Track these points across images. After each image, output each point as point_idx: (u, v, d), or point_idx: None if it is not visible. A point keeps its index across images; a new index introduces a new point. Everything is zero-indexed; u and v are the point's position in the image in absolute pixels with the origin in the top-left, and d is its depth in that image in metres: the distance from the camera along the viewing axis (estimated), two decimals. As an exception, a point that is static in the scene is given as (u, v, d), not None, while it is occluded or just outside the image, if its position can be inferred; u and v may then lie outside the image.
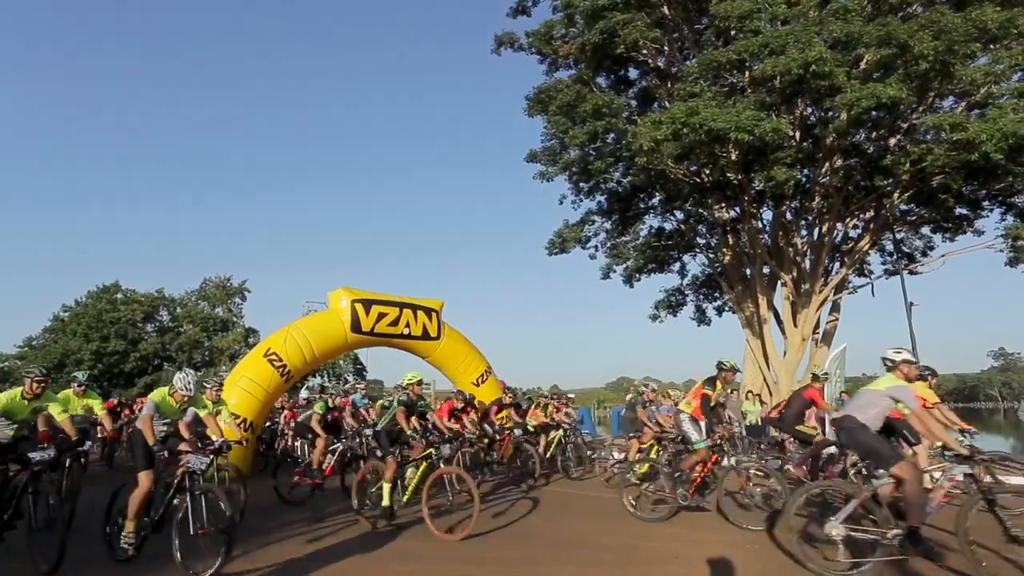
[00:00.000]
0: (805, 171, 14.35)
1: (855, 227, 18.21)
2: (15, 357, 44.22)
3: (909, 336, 15.50)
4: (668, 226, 21.11)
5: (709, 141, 12.72)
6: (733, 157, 14.07)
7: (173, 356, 45.14)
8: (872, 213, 17.37)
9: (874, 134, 15.08)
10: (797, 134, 13.99)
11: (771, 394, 18.11)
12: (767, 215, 19.20)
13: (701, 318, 23.90)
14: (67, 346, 40.66)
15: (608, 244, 22.21)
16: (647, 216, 21.37)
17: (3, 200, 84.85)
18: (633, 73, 19.06)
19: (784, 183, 12.64)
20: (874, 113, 13.13)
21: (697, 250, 21.58)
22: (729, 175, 15.46)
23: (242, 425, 10.75)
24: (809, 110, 14.26)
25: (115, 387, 39.38)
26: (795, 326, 18.47)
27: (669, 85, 16.00)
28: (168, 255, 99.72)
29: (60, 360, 40.14)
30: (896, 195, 15.64)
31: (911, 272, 17.67)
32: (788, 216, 18.35)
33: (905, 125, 13.66)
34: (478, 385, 14.48)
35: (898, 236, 17.79)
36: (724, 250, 20.35)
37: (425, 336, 13.55)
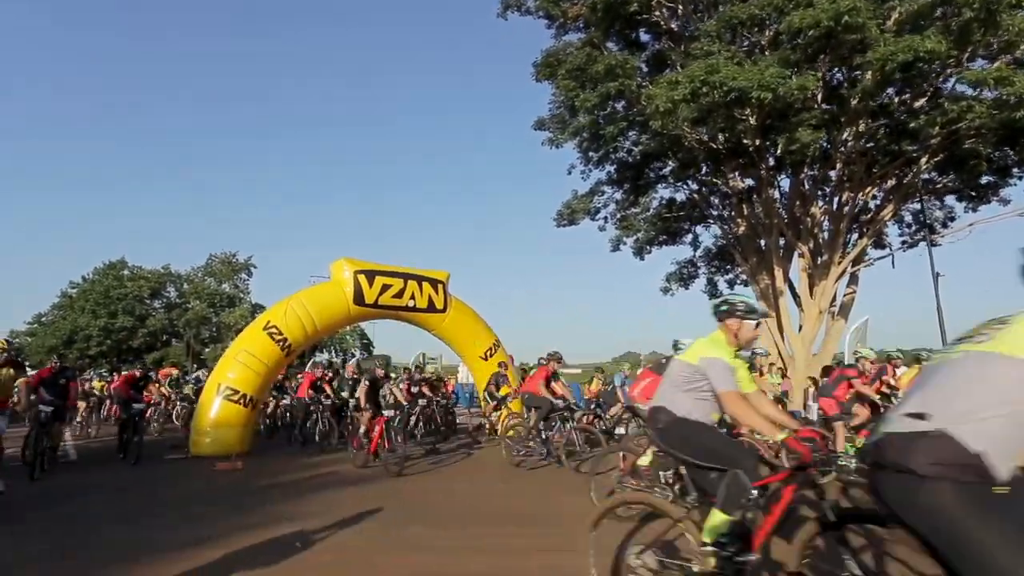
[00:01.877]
0: (826, 136, 13.61)
1: (874, 197, 17.48)
2: (26, 334, 44.37)
3: (936, 309, 14.91)
4: (680, 196, 20.44)
5: (728, 103, 12.00)
6: (752, 121, 13.34)
7: (181, 332, 45.19)
8: (894, 181, 16.63)
9: (898, 97, 14.26)
10: (820, 95, 13.22)
11: (785, 368, 17.63)
12: (785, 183, 18.52)
13: (713, 291, 23.38)
14: (76, 322, 40.70)
15: (618, 215, 21.64)
16: (659, 186, 20.71)
17: (8, 177, 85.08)
18: (645, 37, 18.20)
19: (807, 146, 11.93)
20: (901, 73, 12.33)
21: (710, 221, 20.92)
22: (746, 141, 14.73)
23: (241, 400, 10.43)
24: (834, 70, 13.45)
25: (123, 363, 39.55)
26: (812, 298, 17.90)
27: (683, 48, 15.17)
28: (173, 231, 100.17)
29: (69, 336, 40.26)
30: (923, 160, 14.90)
31: (932, 243, 16.98)
32: (806, 185, 17.65)
33: (931, 88, 12.82)
34: (486, 359, 14.09)
35: (921, 205, 17.04)
36: (739, 220, 19.71)
37: (431, 308, 13.11)
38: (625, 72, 13.83)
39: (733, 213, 19.85)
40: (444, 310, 13.37)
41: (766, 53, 12.54)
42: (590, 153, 19.96)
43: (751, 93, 11.19)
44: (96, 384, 16.93)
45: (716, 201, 20.15)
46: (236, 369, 10.68)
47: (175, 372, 18.95)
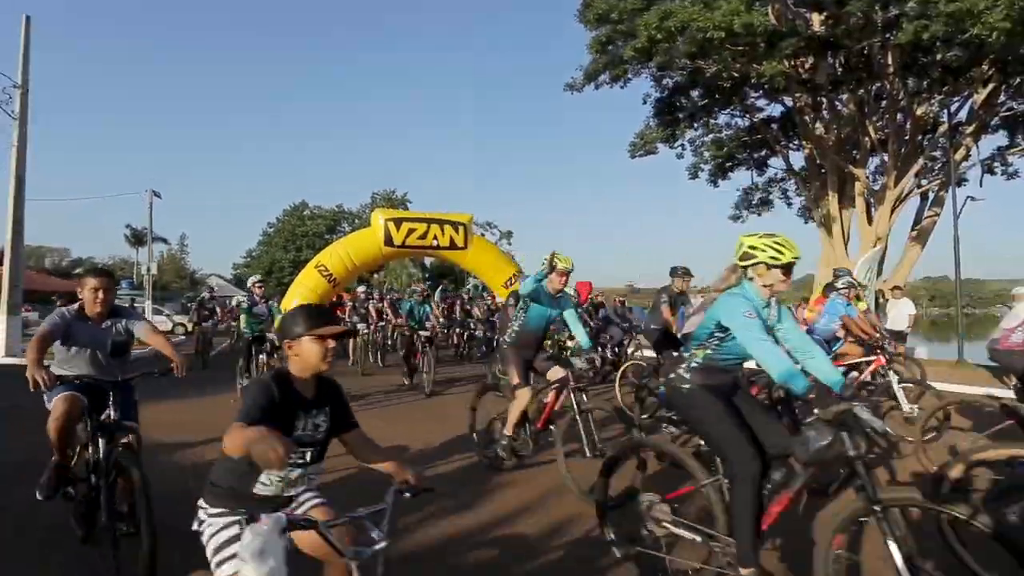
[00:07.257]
0: (799, 63, 12.80)
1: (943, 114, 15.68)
2: (243, 266, 55.99)
3: (953, 239, 13.47)
4: (735, 123, 20.01)
5: (702, 40, 12.22)
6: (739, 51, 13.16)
7: (352, 262, 53.31)
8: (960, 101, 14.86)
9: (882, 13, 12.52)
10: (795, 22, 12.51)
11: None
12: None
13: (807, 216, 22.53)
14: (273, 257, 50.34)
15: (696, 143, 21.77)
16: (723, 115, 20.36)
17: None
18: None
19: (773, 77, 11.77)
20: None
21: (779, 145, 20.13)
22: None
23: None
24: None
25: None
26: (869, 224, 17.00)
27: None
28: (343, 170, 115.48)
29: (269, 268, 50.12)
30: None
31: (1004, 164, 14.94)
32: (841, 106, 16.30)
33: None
34: (507, 287, 16.37)
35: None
36: (805, 143, 18.88)
37: (452, 247, 15.65)
38: (617, 17, 14.26)
39: (791, 137, 19.06)
40: (465, 247, 15.83)
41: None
42: (665, 81, 20.34)
43: (709, 33, 11.47)
44: None
45: (773, 127, 19.36)
46: (298, 300, 14.41)
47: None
